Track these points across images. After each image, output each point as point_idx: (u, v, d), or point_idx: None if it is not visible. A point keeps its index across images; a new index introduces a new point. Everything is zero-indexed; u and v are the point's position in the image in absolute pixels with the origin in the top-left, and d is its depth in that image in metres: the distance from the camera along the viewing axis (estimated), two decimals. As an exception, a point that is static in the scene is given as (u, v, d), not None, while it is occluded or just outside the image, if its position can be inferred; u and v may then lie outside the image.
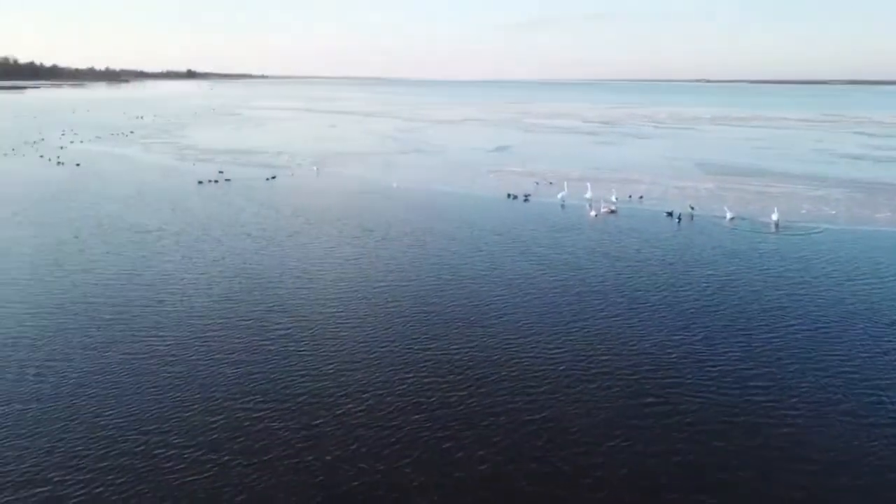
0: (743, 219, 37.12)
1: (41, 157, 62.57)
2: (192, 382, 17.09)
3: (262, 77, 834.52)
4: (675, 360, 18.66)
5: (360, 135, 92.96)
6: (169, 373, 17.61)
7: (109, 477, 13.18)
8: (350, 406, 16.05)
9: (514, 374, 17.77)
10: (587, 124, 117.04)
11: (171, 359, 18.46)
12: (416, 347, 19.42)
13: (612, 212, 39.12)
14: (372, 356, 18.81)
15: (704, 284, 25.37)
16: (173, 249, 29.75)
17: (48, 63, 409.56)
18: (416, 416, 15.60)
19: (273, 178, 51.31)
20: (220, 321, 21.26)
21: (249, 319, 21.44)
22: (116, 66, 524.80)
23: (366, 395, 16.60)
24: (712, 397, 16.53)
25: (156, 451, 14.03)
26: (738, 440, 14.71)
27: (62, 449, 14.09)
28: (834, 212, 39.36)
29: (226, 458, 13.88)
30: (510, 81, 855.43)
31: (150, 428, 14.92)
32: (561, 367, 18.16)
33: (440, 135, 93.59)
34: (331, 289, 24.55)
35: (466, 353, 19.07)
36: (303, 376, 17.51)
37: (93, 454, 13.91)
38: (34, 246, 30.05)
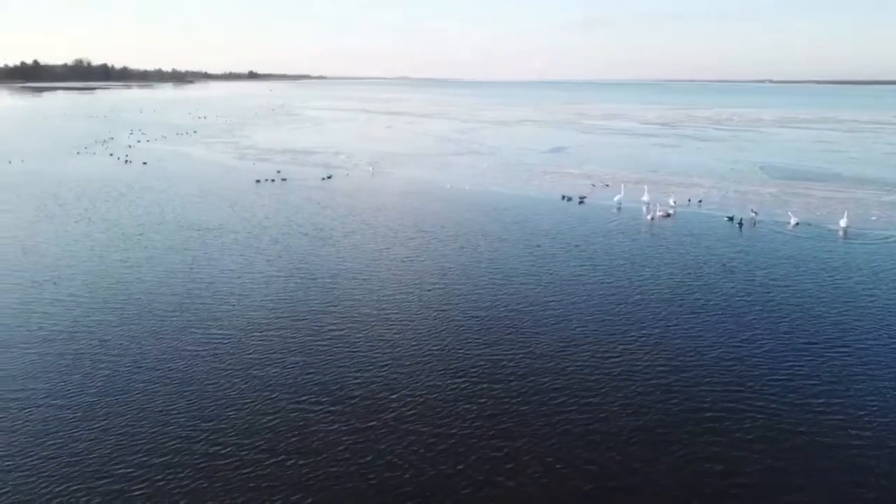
0: (808, 225, 35.71)
1: (111, 155, 65.28)
2: (248, 379, 17.51)
3: (321, 78, 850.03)
4: (735, 372, 18.05)
5: (416, 136, 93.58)
6: (227, 369, 18.09)
7: (170, 471, 13.62)
8: (402, 409, 16.13)
9: (567, 380, 17.53)
10: (645, 126, 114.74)
11: (229, 356, 18.96)
12: (468, 351, 19.39)
13: (668, 215, 38.22)
14: (424, 359, 18.88)
15: (767, 294, 24.49)
16: (232, 247, 30.57)
17: (119, 65, 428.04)
18: (468, 421, 15.56)
19: (329, 177, 52.16)
20: (277, 320, 21.71)
21: (304, 319, 21.82)
22: (182, 67, 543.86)
23: (417, 397, 16.66)
24: (776, 414, 15.91)
25: (213, 448, 14.43)
26: (801, 461, 14.13)
27: (126, 442, 14.64)
28: (908, 219, 37.45)
29: (281, 456, 14.15)
30: (565, 82, 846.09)
31: (209, 425, 15.35)
32: (615, 376, 17.82)
33: (495, 136, 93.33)
34: (384, 290, 24.77)
35: (519, 357, 18.93)
36: (356, 377, 17.71)
37: (155, 448, 14.40)
38: (103, 242, 31.36)
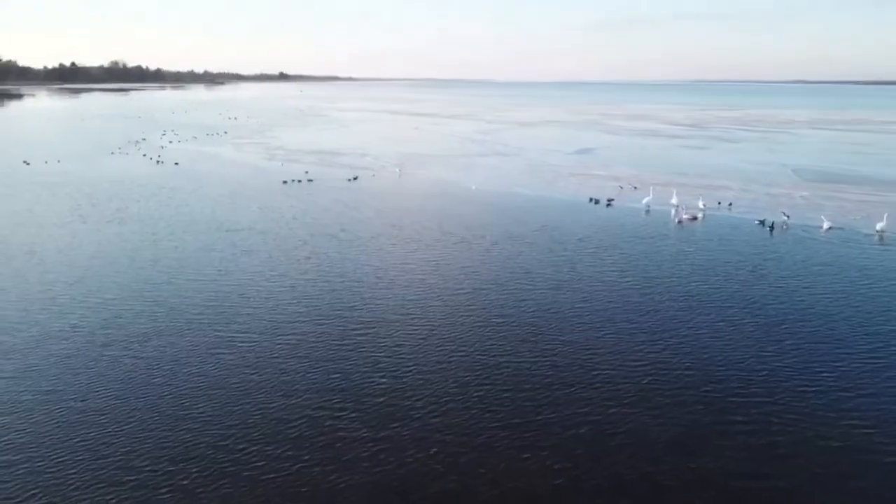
0: (842, 229, 34.94)
1: (144, 155, 66.49)
2: (274, 381, 17.67)
3: (349, 79, 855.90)
4: (765, 380, 17.71)
5: (442, 137, 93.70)
6: (253, 370, 18.29)
7: (194, 470, 13.80)
8: (426, 412, 16.15)
9: (593, 385, 17.38)
10: (673, 127, 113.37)
11: (256, 358, 19.16)
12: (494, 357, 19.33)
13: (694, 218, 37.71)
14: (450, 362, 18.88)
15: (799, 299, 24.01)
16: (259, 249, 30.92)
17: (153, 67, 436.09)
18: (493, 425, 15.51)
19: (355, 178, 52.49)
20: (302, 321, 21.89)
21: (329, 320, 21.97)
22: (214, 68, 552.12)
23: (442, 401, 16.66)
24: (809, 424, 15.56)
25: (238, 447, 14.59)
26: (834, 474, 13.83)
27: (150, 439, 14.88)
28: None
29: (306, 457, 14.26)
30: (591, 83, 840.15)
31: (234, 423, 15.54)
32: (643, 381, 17.62)
33: (521, 137, 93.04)
34: (409, 292, 24.83)
35: (544, 361, 18.83)
36: (381, 379, 17.78)
37: (179, 447, 14.61)
38: (135, 242, 31.96)
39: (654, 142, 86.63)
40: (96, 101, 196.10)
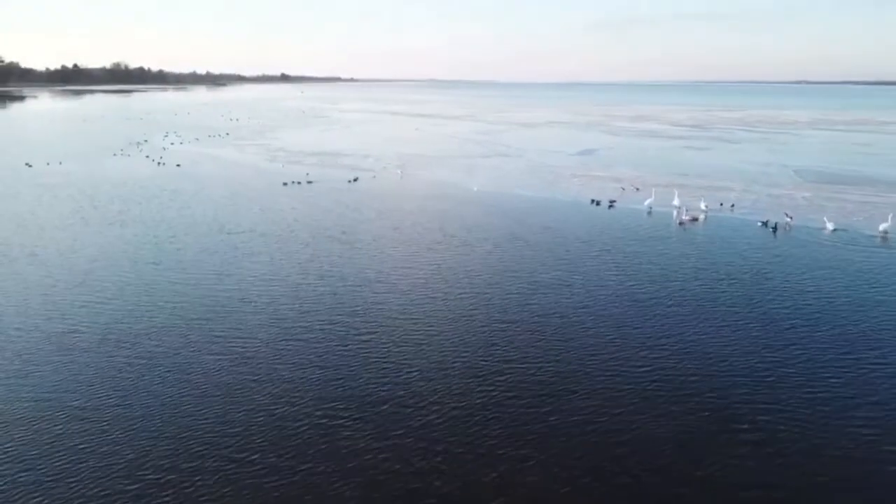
0: (845, 230, 34.83)
1: (146, 157, 66.50)
2: (276, 384, 17.61)
3: (351, 80, 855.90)
4: (769, 382, 17.61)
5: (443, 138, 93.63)
6: (254, 374, 18.22)
7: (197, 477, 13.72)
8: (429, 417, 16.07)
9: (596, 391, 17.30)
10: (675, 128, 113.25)
11: (257, 360, 19.09)
12: (497, 359, 19.25)
13: (696, 220, 37.61)
14: (452, 366, 18.80)
15: (805, 303, 23.90)
16: (260, 251, 30.86)
17: (155, 68, 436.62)
18: (496, 430, 15.44)
19: (356, 180, 52.44)
20: (304, 325, 21.82)
21: (331, 324, 21.90)
22: (216, 70, 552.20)
23: (445, 405, 16.58)
24: (816, 431, 15.46)
25: (240, 454, 14.52)
26: (836, 476, 13.73)
27: (153, 445, 14.81)
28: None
29: (309, 463, 14.19)
30: (592, 83, 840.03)
31: (236, 430, 15.46)
32: (647, 385, 17.53)
33: (523, 138, 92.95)
34: (411, 295, 24.76)
35: (548, 365, 18.74)
36: (383, 383, 17.70)
37: (182, 453, 14.53)
38: (136, 244, 31.91)
39: (655, 143, 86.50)
40: (98, 103, 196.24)
